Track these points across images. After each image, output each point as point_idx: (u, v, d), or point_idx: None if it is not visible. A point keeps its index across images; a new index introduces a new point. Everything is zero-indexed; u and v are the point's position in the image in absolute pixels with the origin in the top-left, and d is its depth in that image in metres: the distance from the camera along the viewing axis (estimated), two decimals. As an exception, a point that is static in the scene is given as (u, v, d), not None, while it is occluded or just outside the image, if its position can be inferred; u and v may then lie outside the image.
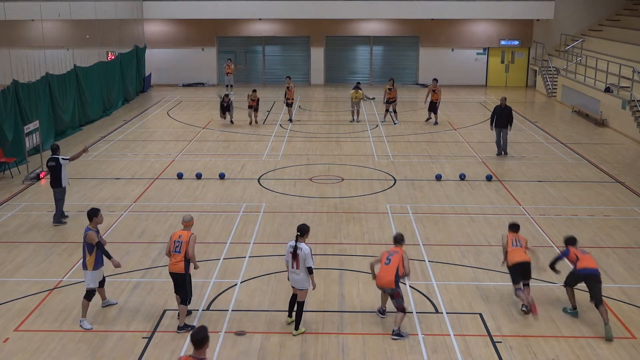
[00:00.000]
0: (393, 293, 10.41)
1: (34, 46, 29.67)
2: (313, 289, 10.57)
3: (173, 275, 10.50)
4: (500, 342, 10.30)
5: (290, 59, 38.16)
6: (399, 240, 10.77)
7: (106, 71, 29.03)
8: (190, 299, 10.65)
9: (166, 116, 28.55)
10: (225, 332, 10.55)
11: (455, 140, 23.80)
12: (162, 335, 10.47)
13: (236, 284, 12.13)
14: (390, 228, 14.98)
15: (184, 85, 37.19)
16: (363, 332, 10.59)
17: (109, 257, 10.86)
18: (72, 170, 19.75)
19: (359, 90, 26.57)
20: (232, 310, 11.17)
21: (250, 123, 26.13)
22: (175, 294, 10.67)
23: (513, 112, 21.69)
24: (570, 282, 11.19)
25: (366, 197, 17.33)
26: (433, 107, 26.12)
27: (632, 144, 23.34)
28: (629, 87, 25.22)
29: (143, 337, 10.43)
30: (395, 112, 26.38)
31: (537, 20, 35.99)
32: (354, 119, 26.92)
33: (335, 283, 12.26)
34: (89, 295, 10.85)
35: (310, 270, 10.29)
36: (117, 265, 10.94)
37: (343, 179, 18.88)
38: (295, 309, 10.58)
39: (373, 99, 30.95)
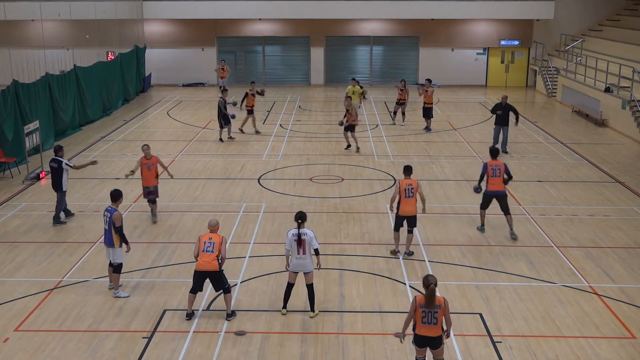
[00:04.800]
0: None
1: (34, 46, 29.69)
2: (319, 268, 11.19)
3: (205, 273, 10.76)
4: (500, 342, 10.30)
5: (290, 59, 38.15)
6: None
7: (106, 71, 29.02)
8: (230, 287, 11.01)
9: (166, 116, 28.56)
10: (225, 332, 10.56)
11: (455, 140, 23.80)
12: (162, 335, 10.48)
13: (236, 284, 12.14)
14: (390, 228, 14.98)
15: (184, 85, 37.20)
16: (363, 332, 10.60)
17: (126, 242, 11.69)
18: (73, 170, 19.72)
19: (357, 85, 25.66)
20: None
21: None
22: (190, 293, 10.92)
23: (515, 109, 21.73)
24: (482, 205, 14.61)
25: (366, 197, 17.33)
26: (427, 113, 25.03)
27: (632, 144, 23.34)
28: (629, 87, 25.21)
29: (143, 337, 10.43)
30: (403, 114, 26.13)
31: (537, 20, 35.99)
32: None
33: (335, 283, 12.26)
34: (119, 268, 11.71)
35: (317, 252, 10.90)
36: (127, 250, 11.80)
37: (343, 179, 18.88)
38: (288, 297, 11.12)
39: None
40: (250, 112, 24.67)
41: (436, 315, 8.51)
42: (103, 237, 11.97)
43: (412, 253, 13.41)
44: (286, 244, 10.92)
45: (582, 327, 10.74)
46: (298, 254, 10.81)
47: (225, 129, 23.36)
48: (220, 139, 23.32)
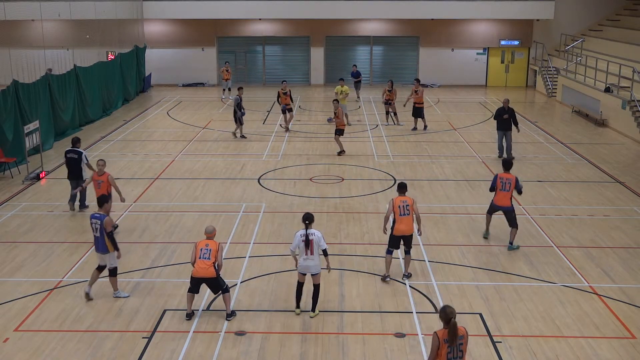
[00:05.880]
0: None
1: (34, 46, 29.70)
2: (329, 271, 11.24)
3: (201, 279, 10.79)
4: (500, 342, 10.30)
5: (290, 59, 38.18)
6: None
7: (106, 71, 29.03)
8: (228, 287, 11.02)
9: (166, 116, 28.56)
10: (225, 332, 10.56)
11: (455, 140, 23.80)
12: (162, 335, 10.48)
13: (236, 284, 12.14)
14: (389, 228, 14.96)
15: (184, 85, 37.20)
16: (363, 332, 10.60)
17: (117, 248, 11.48)
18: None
19: (345, 85, 26.02)
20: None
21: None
22: (188, 293, 10.92)
23: (515, 113, 20.95)
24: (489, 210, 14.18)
25: (366, 197, 17.33)
26: (418, 113, 24.89)
27: (632, 144, 23.35)
28: (629, 87, 25.22)
29: (143, 337, 10.43)
30: (395, 113, 26.14)
31: (537, 20, 36.00)
32: (332, 119, 26.29)
33: (335, 283, 12.26)
34: (115, 272, 11.60)
35: (325, 253, 10.89)
36: (118, 257, 11.55)
37: (343, 179, 18.88)
38: (300, 296, 11.14)
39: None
40: (285, 110, 25.08)
41: (461, 347, 7.76)
42: (94, 245, 11.72)
43: (411, 275, 12.44)
44: (292, 244, 10.94)
45: (582, 327, 10.74)
46: (306, 254, 10.82)
47: (241, 126, 23.83)
48: (243, 136, 23.83)
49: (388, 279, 12.29)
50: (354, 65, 33.02)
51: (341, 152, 21.64)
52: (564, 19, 35.71)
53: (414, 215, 12.10)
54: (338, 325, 10.82)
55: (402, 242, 12.20)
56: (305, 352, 10.02)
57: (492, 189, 13.98)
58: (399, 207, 12.00)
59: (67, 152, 16.21)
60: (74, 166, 15.98)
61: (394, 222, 12.07)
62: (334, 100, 22.11)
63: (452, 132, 25.15)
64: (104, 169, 14.45)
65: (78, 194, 15.90)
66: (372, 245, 14.05)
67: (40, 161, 19.46)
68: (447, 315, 7.65)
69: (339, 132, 21.45)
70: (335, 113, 21.36)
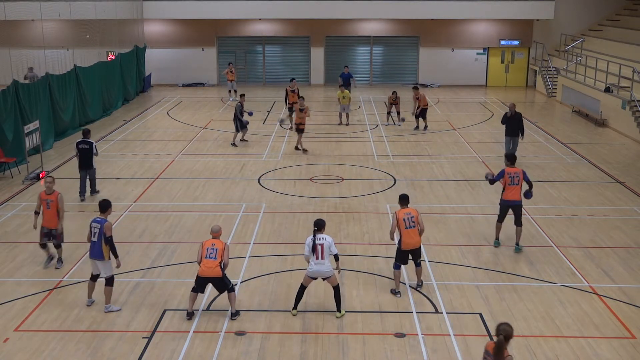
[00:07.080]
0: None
1: (34, 46, 29.73)
2: (339, 272, 11.23)
3: (207, 279, 10.82)
4: (500, 342, 10.29)
5: (290, 59, 38.18)
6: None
7: (106, 71, 29.02)
8: (233, 286, 11.08)
9: (166, 116, 28.56)
10: (225, 332, 10.56)
11: (455, 140, 23.81)
12: (162, 335, 10.48)
13: (236, 284, 12.13)
14: (390, 228, 14.95)
15: (184, 85, 37.21)
16: (363, 332, 10.60)
17: (116, 255, 11.14)
18: (73, 170, 19.73)
19: (345, 90, 26.09)
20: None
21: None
22: (192, 292, 10.95)
23: (523, 119, 20.31)
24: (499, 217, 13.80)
25: (366, 197, 17.33)
26: (422, 114, 25.10)
27: (632, 144, 23.35)
28: (629, 87, 25.22)
29: (143, 337, 10.43)
30: (398, 112, 26.14)
31: (537, 20, 36.01)
32: (341, 122, 26.31)
33: (335, 283, 12.25)
34: (111, 281, 11.18)
35: (336, 257, 10.99)
36: (118, 266, 11.22)
37: (343, 179, 18.89)
38: (300, 299, 11.16)
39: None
40: (291, 109, 25.15)
41: None
42: (88, 251, 11.33)
43: (422, 284, 12.08)
44: (305, 250, 10.97)
45: (582, 327, 10.74)
46: (317, 259, 10.85)
47: (240, 133, 22.99)
48: (234, 144, 22.76)
49: (399, 295, 11.73)
50: (346, 66, 32.74)
51: (304, 150, 21.83)
52: (564, 19, 35.72)
53: (419, 228, 11.60)
54: (338, 325, 10.82)
55: (410, 257, 11.74)
56: (305, 352, 10.03)
57: (496, 180, 13.58)
58: (404, 220, 11.50)
59: (78, 143, 17.03)
60: (85, 157, 16.85)
61: (400, 236, 11.59)
62: (300, 97, 22.76)
63: (452, 132, 25.15)
64: (53, 187, 12.88)
65: (88, 181, 17.10)
66: (372, 245, 14.05)
67: (40, 161, 19.47)
68: (497, 330, 7.37)
69: (300, 130, 21.68)
70: (301, 110, 21.73)
